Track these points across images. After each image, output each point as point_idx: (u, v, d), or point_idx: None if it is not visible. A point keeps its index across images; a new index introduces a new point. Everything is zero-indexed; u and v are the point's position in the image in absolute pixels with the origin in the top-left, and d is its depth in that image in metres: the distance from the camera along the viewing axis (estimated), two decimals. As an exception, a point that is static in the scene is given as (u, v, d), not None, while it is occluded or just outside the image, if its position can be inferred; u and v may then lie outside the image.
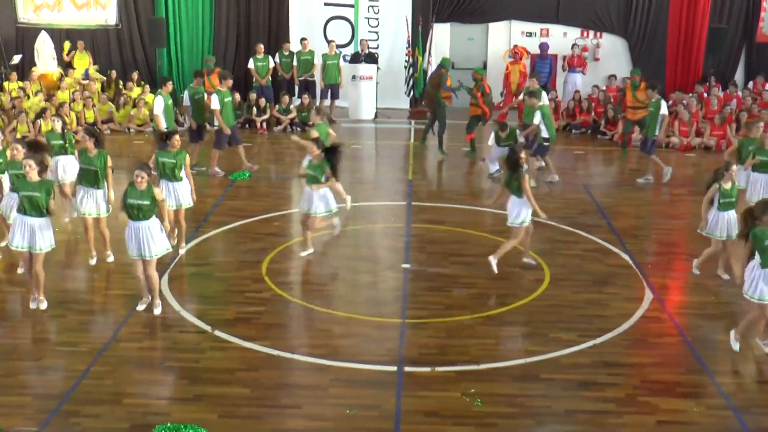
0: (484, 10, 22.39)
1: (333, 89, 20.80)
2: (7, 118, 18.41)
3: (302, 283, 11.05)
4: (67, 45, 21.46)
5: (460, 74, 20.26)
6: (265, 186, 15.18)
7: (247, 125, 19.79)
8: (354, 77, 20.92)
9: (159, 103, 15.08)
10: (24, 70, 21.21)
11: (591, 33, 22.55)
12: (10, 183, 10.63)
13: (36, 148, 10.38)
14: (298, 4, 22.04)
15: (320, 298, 10.36)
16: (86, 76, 20.93)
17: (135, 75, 21.20)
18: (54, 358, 8.81)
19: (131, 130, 19.64)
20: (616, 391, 8.21)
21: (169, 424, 7.42)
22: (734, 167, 10.66)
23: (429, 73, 21.40)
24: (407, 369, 8.57)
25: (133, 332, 9.34)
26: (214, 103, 15.45)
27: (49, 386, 8.17)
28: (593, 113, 20.34)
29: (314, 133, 12.95)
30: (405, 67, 21.73)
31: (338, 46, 21.19)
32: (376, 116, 21.36)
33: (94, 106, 19.49)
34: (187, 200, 11.50)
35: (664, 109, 15.56)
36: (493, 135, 15.49)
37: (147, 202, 9.41)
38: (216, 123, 15.65)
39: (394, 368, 8.58)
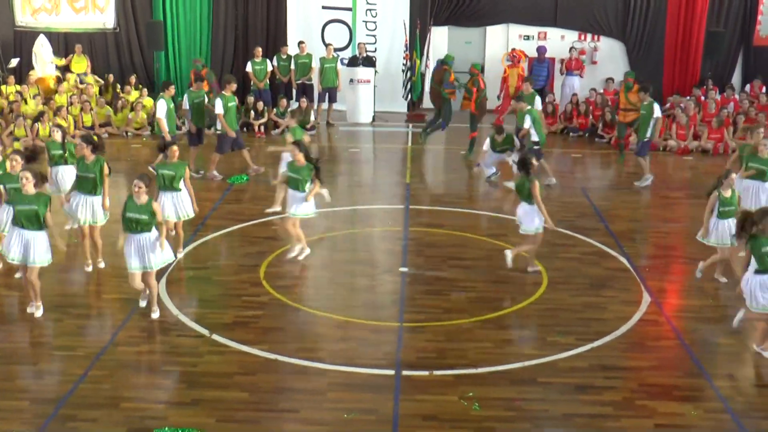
0: (481, 13, 22.42)
1: (331, 93, 20.81)
2: (5, 122, 18.41)
3: (300, 286, 11.05)
4: (61, 61, 21.42)
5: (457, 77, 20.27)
6: (262, 189, 15.16)
7: (245, 128, 19.78)
8: (352, 81, 20.92)
9: (162, 107, 15.06)
10: (22, 74, 21.21)
11: (589, 36, 22.59)
12: (5, 195, 10.39)
13: (32, 158, 10.34)
14: (296, 8, 22.05)
15: (318, 302, 10.35)
16: (81, 80, 20.94)
17: (133, 78, 21.20)
18: (51, 362, 8.80)
19: (129, 134, 19.63)
20: (613, 394, 8.21)
21: (166, 429, 7.41)
22: (733, 175, 10.66)
23: (426, 78, 21.51)
24: (405, 373, 8.57)
25: (131, 336, 9.33)
26: (218, 108, 15.47)
27: (46, 390, 8.15)
28: (591, 116, 20.36)
29: (290, 138, 12.99)
30: (403, 71, 21.74)
31: (336, 50, 21.20)
32: (373, 120, 21.36)
33: (91, 109, 19.49)
34: (188, 211, 11.48)
35: (657, 112, 15.56)
36: (488, 140, 15.50)
37: (146, 217, 9.36)
38: (219, 127, 15.65)
39: (391, 372, 8.58)
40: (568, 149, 19.03)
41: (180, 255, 11.65)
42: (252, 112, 20.04)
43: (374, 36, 22.18)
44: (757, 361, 8.96)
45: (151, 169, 11.89)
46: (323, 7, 22.08)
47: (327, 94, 20.80)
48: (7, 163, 10.65)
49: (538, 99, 16.37)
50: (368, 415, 7.77)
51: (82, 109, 19.27)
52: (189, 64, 22.20)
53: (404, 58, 21.65)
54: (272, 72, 20.62)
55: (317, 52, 20.94)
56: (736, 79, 22.57)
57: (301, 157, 11.22)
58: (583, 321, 9.89)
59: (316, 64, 20.72)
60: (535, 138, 15.17)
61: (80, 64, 21.33)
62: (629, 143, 17.75)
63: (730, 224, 10.49)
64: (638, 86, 16.66)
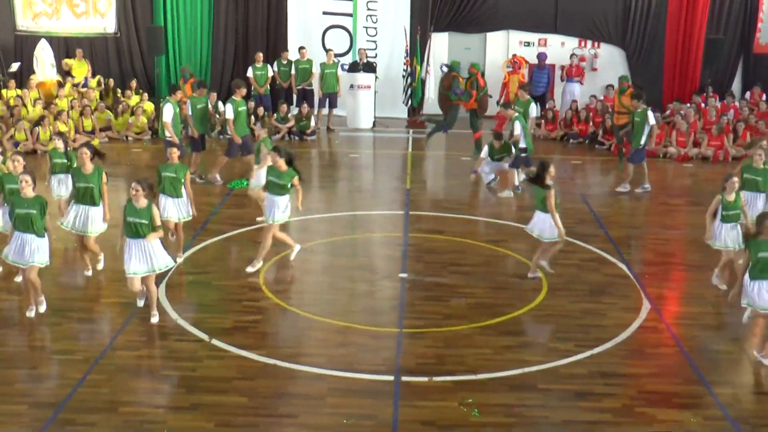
0: (482, 19, 22.47)
1: (331, 98, 20.83)
2: (5, 126, 18.41)
3: (299, 291, 11.04)
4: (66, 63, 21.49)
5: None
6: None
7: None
8: (352, 86, 20.95)
9: (168, 111, 15.06)
10: (22, 78, 21.23)
11: (589, 43, 22.65)
12: (4, 196, 10.44)
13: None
14: (297, 13, 22.09)
15: (317, 307, 10.34)
16: (85, 83, 20.97)
17: (133, 83, 21.23)
18: (50, 366, 8.79)
19: (129, 138, 19.65)
20: (613, 401, 8.20)
21: (165, 433, 7.42)
22: (735, 178, 10.66)
23: (427, 83, 21.54)
24: (404, 378, 8.56)
25: (130, 340, 9.32)
26: (228, 113, 15.51)
27: (45, 394, 8.14)
28: (591, 123, 20.38)
29: (264, 149, 13.05)
30: (403, 77, 21.78)
31: (336, 55, 21.22)
32: (374, 125, 21.39)
33: (92, 113, 19.51)
34: (185, 213, 11.51)
35: (651, 120, 15.57)
36: (486, 147, 15.51)
37: (145, 221, 9.35)
38: (229, 132, 15.67)
39: (391, 378, 8.57)
40: (568, 156, 19.04)
41: (180, 259, 11.65)
42: (252, 118, 20.05)
43: (375, 42, 22.21)
44: (756, 368, 8.95)
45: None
46: (324, 13, 22.13)
47: (327, 99, 20.81)
48: (9, 164, 10.67)
49: (533, 106, 16.32)
50: (367, 421, 7.76)
51: (82, 114, 19.29)
52: (190, 69, 22.24)
53: (405, 64, 21.69)
54: (273, 77, 20.63)
55: (318, 58, 20.97)
56: (736, 86, 22.62)
57: (282, 162, 11.11)
58: (583, 327, 9.88)
59: (316, 70, 20.75)
60: (522, 145, 15.19)
61: (81, 68, 21.35)
62: (630, 149, 17.74)
63: (737, 228, 10.50)
64: (632, 90, 16.72)
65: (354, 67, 21.12)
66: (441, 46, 22.63)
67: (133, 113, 19.97)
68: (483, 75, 19.67)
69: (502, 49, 22.66)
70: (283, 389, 8.38)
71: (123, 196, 9.60)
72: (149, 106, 20.24)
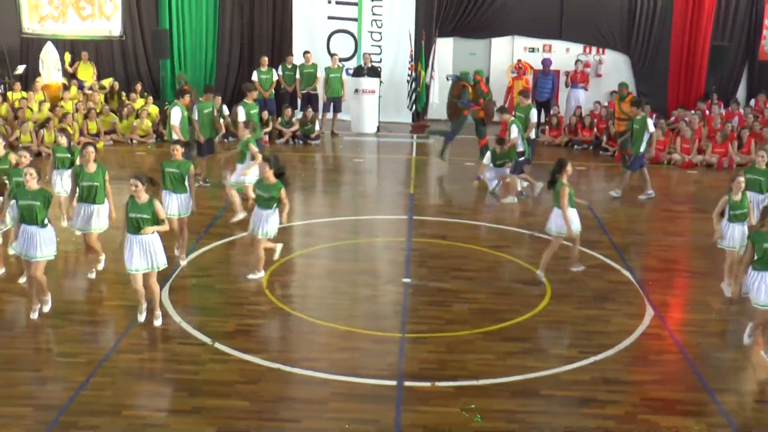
0: (487, 25, 22.47)
1: (335, 102, 20.84)
2: (11, 128, 18.45)
3: (302, 296, 11.04)
4: (67, 56, 21.56)
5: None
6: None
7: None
8: (356, 91, 20.97)
9: (176, 114, 15.10)
10: (28, 81, 21.28)
11: (594, 49, 22.62)
12: (10, 191, 10.58)
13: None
14: (302, 17, 22.11)
15: (320, 311, 10.34)
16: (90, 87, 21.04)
17: (138, 86, 21.26)
18: (54, 368, 8.80)
19: (134, 141, 19.68)
20: (616, 408, 8.19)
21: (167, 437, 7.42)
22: (741, 178, 10.63)
23: (431, 88, 21.55)
24: (407, 383, 8.55)
25: (133, 343, 9.33)
26: (240, 115, 15.55)
27: (48, 397, 8.15)
28: (595, 129, 20.37)
29: (254, 148, 13.15)
30: (407, 82, 21.79)
31: (341, 60, 21.24)
32: (378, 130, 21.39)
33: (97, 116, 19.54)
34: (186, 209, 11.55)
35: (651, 127, 15.57)
36: (489, 153, 15.51)
37: (147, 216, 9.38)
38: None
39: (393, 383, 8.57)
40: (573, 162, 18.83)
41: (183, 262, 11.68)
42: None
43: (379, 46, 22.22)
44: (760, 375, 8.93)
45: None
46: (329, 17, 22.13)
47: (332, 103, 20.83)
48: (11, 157, 10.77)
49: (533, 111, 16.28)
50: (370, 426, 7.75)
51: (87, 117, 19.32)
52: (194, 72, 22.31)
53: (409, 69, 21.69)
54: (277, 81, 20.66)
55: (322, 62, 20.99)
56: (740, 93, 22.58)
57: (270, 174, 10.95)
58: (586, 334, 9.87)
59: (321, 74, 20.76)
60: (520, 148, 15.18)
61: (86, 71, 21.40)
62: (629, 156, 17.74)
63: (743, 228, 10.49)
64: (632, 97, 16.76)
65: (359, 72, 21.13)
66: (446, 51, 22.63)
67: (137, 116, 20.00)
68: (487, 81, 19.69)
69: (506, 54, 22.65)
70: (285, 393, 8.38)
71: (127, 198, 9.58)
72: (154, 110, 20.27)
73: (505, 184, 15.45)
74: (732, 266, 10.84)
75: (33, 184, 9.54)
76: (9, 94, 20.06)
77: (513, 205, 15.23)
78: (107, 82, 21.36)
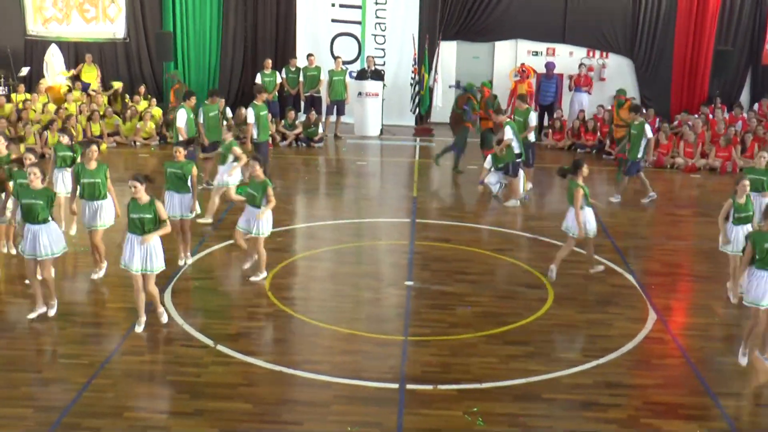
0: (490, 28, 22.50)
1: (339, 105, 20.87)
2: (14, 129, 18.48)
3: (305, 298, 11.03)
4: (67, 73, 21.57)
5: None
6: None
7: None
8: (360, 94, 20.99)
9: (182, 116, 15.11)
10: (32, 83, 21.32)
11: (597, 53, 22.64)
12: (13, 191, 10.61)
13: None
14: (305, 20, 22.15)
15: (323, 314, 10.33)
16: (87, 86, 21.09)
17: (142, 88, 21.29)
18: (55, 370, 8.79)
19: (137, 143, 19.71)
20: (618, 412, 8.17)
21: (169, 439, 7.41)
22: (745, 180, 10.60)
23: (435, 92, 21.56)
24: (409, 387, 8.54)
25: (135, 345, 9.33)
26: (250, 117, 15.59)
27: (50, 398, 8.15)
28: (598, 133, 20.36)
29: (238, 151, 13.21)
30: (411, 85, 21.82)
31: (345, 63, 21.27)
32: (381, 133, 21.41)
33: (101, 118, 19.58)
34: (187, 209, 11.53)
35: (648, 133, 15.57)
36: (490, 157, 15.50)
37: (149, 215, 9.38)
38: (255, 135, 15.68)
39: (396, 386, 8.56)
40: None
41: (186, 263, 11.67)
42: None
43: (383, 49, 22.25)
44: (765, 380, 8.91)
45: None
46: (332, 20, 22.18)
47: (335, 106, 20.85)
48: (12, 153, 10.82)
49: (532, 115, 16.22)
50: (372, 429, 7.74)
51: (90, 118, 19.35)
52: (198, 75, 22.35)
53: (413, 72, 21.72)
54: (281, 84, 20.68)
55: (326, 65, 21.02)
56: (744, 97, 22.59)
57: (259, 171, 11.06)
58: (589, 337, 9.87)
59: (324, 77, 20.79)
60: (517, 150, 15.18)
61: (90, 73, 21.43)
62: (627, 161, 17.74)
63: (747, 231, 10.45)
64: (629, 103, 16.79)
65: (362, 75, 21.15)
66: (449, 54, 22.66)
67: (141, 118, 20.03)
68: (490, 84, 19.65)
69: (510, 58, 22.67)
70: (287, 396, 8.38)
71: (128, 200, 9.57)
72: (157, 112, 20.31)
73: (509, 187, 15.43)
74: (735, 270, 10.83)
75: (37, 183, 9.59)
76: (13, 95, 20.10)
77: (516, 208, 15.22)
78: (118, 85, 21.41)
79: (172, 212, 11.34)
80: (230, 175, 13.43)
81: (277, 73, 20.64)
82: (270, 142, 19.61)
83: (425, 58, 21.36)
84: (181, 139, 14.85)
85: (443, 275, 11.73)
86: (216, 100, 16.31)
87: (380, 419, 7.90)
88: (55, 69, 20.98)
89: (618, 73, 22.48)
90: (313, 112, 20.39)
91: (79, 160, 11.70)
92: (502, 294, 11.09)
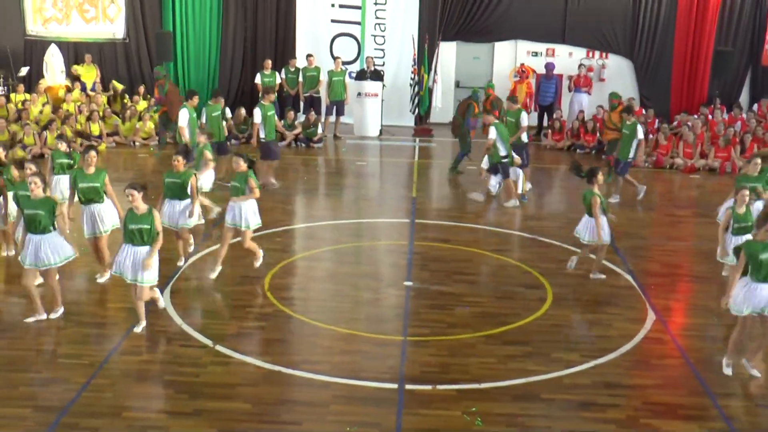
0: (490, 29, 22.51)
1: (338, 106, 20.88)
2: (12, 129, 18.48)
3: (304, 298, 11.03)
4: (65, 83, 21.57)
5: (465, 93, 20.32)
6: (269, 201, 15.18)
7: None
8: (359, 94, 21.00)
9: (184, 116, 15.10)
10: (31, 83, 21.32)
11: (597, 53, 22.65)
12: (14, 201, 10.55)
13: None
14: (305, 21, 22.15)
15: (322, 314, 10.34)
16: (93, 87, 21.07)
17: (141, 89, 21.30)
18: (55, 370, 8.79)
19: (136, 144, 19.71)
20: (617, 412, 8.18)
21: (168, 439, 7.41)
22: (746, 191, 10.61)
23: (434, 92, 21.58)
24: (408, 387, 8.54)
25: (134, 345, 9.33)
26: (257, 117, 15.59)
27: (49, 398, 8.15)
28: (598, 134, 20.36)
29: (208, 155, 13.28)
30: (410, 85, 21.83)
31: (344, 63, 21.28)
32: (380, 133, 21.42)
33: (100, 118, 19.58)
34: (185, 219, 11.49)
35: (640, 134, 15.58)
36: (487, 158, 15.50)
37: (147, 226, 9.33)
38: (263, 135, 15.68)
39: (395, 386, 8.56)
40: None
41: (186, 263, 11.67)
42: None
43: (383, 50, 22.26)
44: (762, 381, 8.91)
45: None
46: (332, 21, 22.19)
47: (335, 107, 20.86)
48: (13, 171, 10.77)
49: (524, 115, 16.18)
50: (371, 429, 7.74)
51: (90, 118, 19.35)
52: (198, 75, 22.34)
53: (412, 73, 21.73)
54: (280, 84, 20.68)
55: (326, 65, 21.03)
56: (744, 98, 22.61)
57: (243, 165, 11.20)
58: (587, 338, 9.87)
59: (324, 77, 20.80)
60: (502, 153, 15.15)
61: (89, 73, 21.44)
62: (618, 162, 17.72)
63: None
64: (621, 107, 16.84)
65: (361, 75, 21.16)
66: (449, 55, 22.67)
67: (140, 119, 20.04)
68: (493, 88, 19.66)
69: (509, 58, 22.69)
70: (286, 396, 8.38)
71: (127, 202, 9.56)
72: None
73: (508, 188, 15.43)
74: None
75: (38, 192, 9.54)
76: (12, 95, 20.11)
77: (515, 209, 15.23)
78: (120, 86, 21.40)
79: (171, 221, 11.32)
80: (203, 174, 13.36)
81: (277, 73, 20.65)
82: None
83: (425, 58, 21.38)
84: (181, 139, 14.86)
85: (442, 275, 11.74)
86: (219, 100, 16.34)
87: (379, 419, 7.91)
88: (55, 68, 20.97)
89: (618, 73, 22.50)
90: (313, 113, 20.41)
91: (78, 165, 11.69)
92: (501, 294, 11.09)
